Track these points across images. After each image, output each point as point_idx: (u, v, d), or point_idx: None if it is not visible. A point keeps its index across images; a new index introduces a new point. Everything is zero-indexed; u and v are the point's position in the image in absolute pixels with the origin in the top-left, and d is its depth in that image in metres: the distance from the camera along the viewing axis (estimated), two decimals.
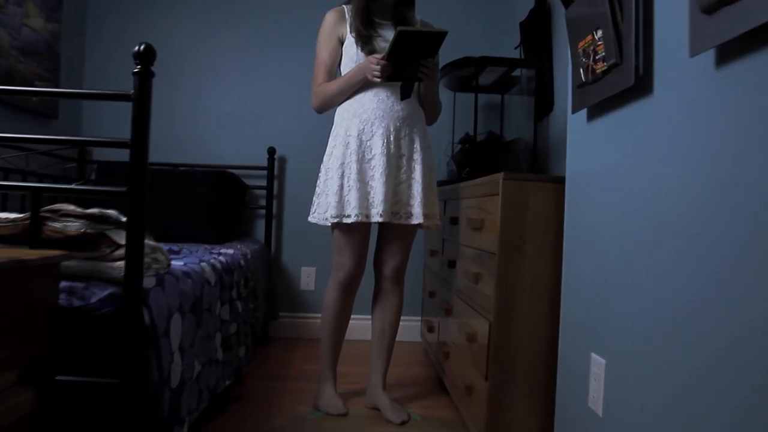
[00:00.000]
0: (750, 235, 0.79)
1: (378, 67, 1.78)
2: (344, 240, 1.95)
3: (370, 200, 1.86)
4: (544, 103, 2.37)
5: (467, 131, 2.48)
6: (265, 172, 3.13)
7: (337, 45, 1.99)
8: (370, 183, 1.87)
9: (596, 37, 1.23)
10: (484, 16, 3.19)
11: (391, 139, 1.89)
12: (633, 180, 1.15)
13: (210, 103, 3.17)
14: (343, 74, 1.97)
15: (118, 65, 3.06)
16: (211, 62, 3.17)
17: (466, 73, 2.51)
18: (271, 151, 3.08)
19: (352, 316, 2.09)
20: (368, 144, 1.89)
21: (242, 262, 2.20)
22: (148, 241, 1.29)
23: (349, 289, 2.01)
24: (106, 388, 1.16)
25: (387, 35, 1.93)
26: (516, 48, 2.71)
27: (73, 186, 1.49)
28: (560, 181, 1.60)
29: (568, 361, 1.45)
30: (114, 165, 2.85)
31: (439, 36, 1.71)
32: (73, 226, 1.20)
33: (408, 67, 1.80)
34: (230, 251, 2.23)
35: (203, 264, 1.73)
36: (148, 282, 1.28)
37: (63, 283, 1.17)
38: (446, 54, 2.14)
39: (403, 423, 1.94)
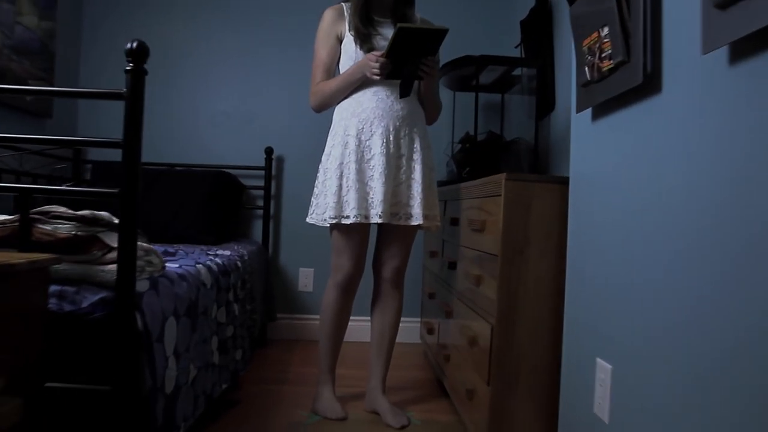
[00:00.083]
0: (758, 235, 0.77)
1: (377, 65, 1.75)
2: (343, 241, 1.92)
3: (369, 201, 1.83)
4: (545, 102, 2.34)
5: (467, 131, 2.45)
6: (262, 172, 3.10)
7: (335, 43, 1.96)
8: (369, 183, 1.84)
9: (602, 35, 1.19)
10: (485, 14, 3.16)
11: (391, 138, 1.86)
12: (639, 181, 1.12)
13: (207, 102, 3.13)
14: (341, 72, 1.94)
15: (115, 64, 3.01)
16: (208, 61, 3.13)
17: (467, 72, 2.48)
18: (269, 151, 3.05)
19: (350, 318, 2.06)
20: (367, 144, 1.86)
21: (239, 263, 2.17)
22: (142, 244, 1.26)
23: (348, 290, 1.98)
24: (97, 396, 1.13)
25: (386, 33, 1.90)
26: (517, 47, 2.68)
27: (63, 187, 1.46)
28: (564, 181, 1.57)
29: (572, 366, 1.42)
30: (109, 165, 2.81)
31: (440, 34, 1.67)
32: (64, 229, 1.17)
33: (408, 65, 1.77)
34: (227, 252, 2.20)
35: (199, 266, 1.69)
36: (142, 285, 1.25)
37: (53, 287, 1.14)
38: (446, 53, 2.11)
39: (402, 428, 1.91)
